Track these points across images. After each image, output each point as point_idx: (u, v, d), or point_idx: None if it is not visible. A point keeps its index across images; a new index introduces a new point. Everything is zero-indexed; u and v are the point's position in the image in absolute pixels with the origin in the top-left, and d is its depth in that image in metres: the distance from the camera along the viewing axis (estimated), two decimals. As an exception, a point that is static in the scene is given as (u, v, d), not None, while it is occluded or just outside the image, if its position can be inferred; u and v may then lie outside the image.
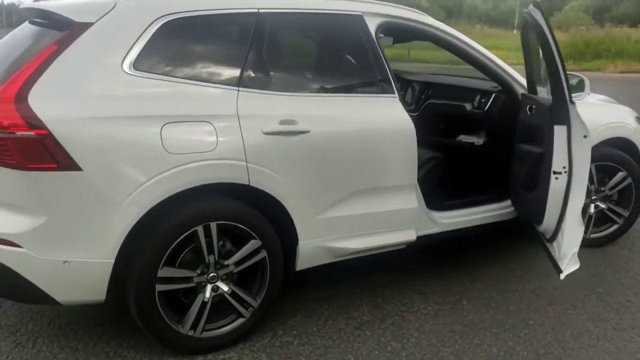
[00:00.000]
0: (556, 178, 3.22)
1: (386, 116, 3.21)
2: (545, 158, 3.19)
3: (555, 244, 3.28)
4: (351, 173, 3.11)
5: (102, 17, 2.64)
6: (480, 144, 4.09)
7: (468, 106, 4.12)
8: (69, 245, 2.53)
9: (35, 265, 2.51)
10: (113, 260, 2.57)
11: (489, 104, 3.97)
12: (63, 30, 2.62)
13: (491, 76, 3.78)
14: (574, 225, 3.22)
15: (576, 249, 3.22)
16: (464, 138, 4.17)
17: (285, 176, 2.88)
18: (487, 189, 3.89)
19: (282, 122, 2.87)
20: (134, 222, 2.57)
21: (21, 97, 2.42)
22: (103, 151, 2.50)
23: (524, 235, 4.21)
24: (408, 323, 3.20)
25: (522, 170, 3.53)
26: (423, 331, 3.12)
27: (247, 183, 2.80)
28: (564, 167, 3.20)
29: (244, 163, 2.76)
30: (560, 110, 3.18)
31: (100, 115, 2.52)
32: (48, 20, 2.76)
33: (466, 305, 3.40)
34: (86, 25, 2.61)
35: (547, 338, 3.07)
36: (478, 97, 4.09)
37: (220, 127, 2.72)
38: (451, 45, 3.59)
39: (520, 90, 3.75)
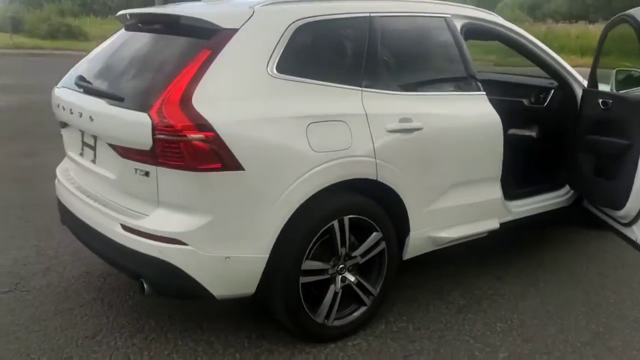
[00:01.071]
0: None
1: (479, 112, 3.45)
2: (631, 149, 3.48)
3: (635, 227, 3.58)
4: (453, 167, 3.33)
5: (245, 22, 2.75)
6: (535, 137, 4.37)
7: (525, 102, 4.40)
8: (231, 242, 2.64)
9: (199, 262, 2.61)
10: (268, 255, 2.70)
11: (548, 99, 4.25)
12: (209, 37, 2.72)
13: (551, 73, 4.06)
14: None
15: None
16: (517, 132, 4.44)
17: (403, 171, 3.07)
18: (546, 179, 4.18)
19: (401, 120, 3.05)
20: (287, 218, 2.70)
21: (186, 102, 2.52)
22: (261, 151, 2.63)
23: (569, 223, 4.55)
24: (502, 305, 3.44)
25: (597, 161, 3.81)
26: (520, 312, 3.37)
27: (375, 178, 2.97)
28: None
29: (374, 159, 2.93)
30: None
31: (255, 116, 2.64)
32: (189, 27, 2.84)
33: (546, 287, 3.67)
34: (233, 31, 2.71)
35: (634, 313, 3.38)
36: (535, 93, 4.37)
37: (353, 126, 2.88)
38: (519, 45, 3.85)
39: (577, 87, 4.05)
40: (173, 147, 2.50)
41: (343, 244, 2.95)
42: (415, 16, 3.38)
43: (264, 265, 2.70)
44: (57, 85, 3.39)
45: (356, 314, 3.08)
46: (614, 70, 3.91)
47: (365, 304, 3.10)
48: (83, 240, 3.20)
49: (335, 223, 2.88)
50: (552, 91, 4.24)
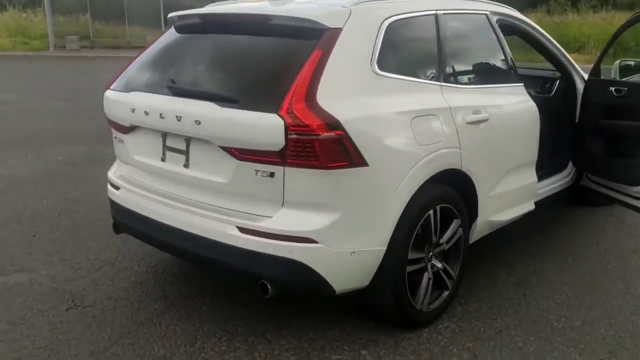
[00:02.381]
0: None
1: (523, 102, 3.72)
2: None
3: None
4: (510, 153, 3.57)
5: (346, 21, 2.80)
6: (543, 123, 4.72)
7: (532, 91, 4.73)
8: (357, 237, 2.71)
9: (327, 258, 2.65)
10: (385, 248, 2.78)
11: (554, 88, 4.61)
12: (316, 36, 2.74)
13: (557, 65, 4.42)
14: None
15: None
16: None
17: (477, 160, 3.26)
18: (554, 162, 4.54)
19: (474, 112, 3.24)
20: (402, 210, 2.80)
21: (313, 101, 2.55)
22: (380, 146, 2.72)
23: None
24: (547, 279, 3.73)
25: (611, 143, 4.19)
26: (566, 284, 3.66)
27: (459, 168, 3.13)
28: None
29: (459, 150, 3.09)
30: None
31: (371, 113, 2.72)
32: (292, 26, 2.84)
33: (575, 262, 4.02)
34: (338, 31, 2.76)
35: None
36: (541, 83, 4.71)
37: (442, 119, 3.03)
38: (535, 39, 4.17)
39: (577, 77, 4.44)
40: (307, 146, 2.52)
41: (435, 232, 3.08)
42: (465, 13, 3.57)
43: (381, 258, 2.79)
44: (118, 89, 3.26)
45: (440, 298, 3.23)
46: (617, 62, 4.32)
47: (447, 288, 3.25)
48: (169, 247, 3.13)
49: (431, 212, 3.01)
50: (557, 81, 4.60)
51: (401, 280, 2.92)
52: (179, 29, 3.35)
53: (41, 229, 4.49)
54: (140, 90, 3.13)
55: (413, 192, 2.84)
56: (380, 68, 2.84)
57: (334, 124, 2.54)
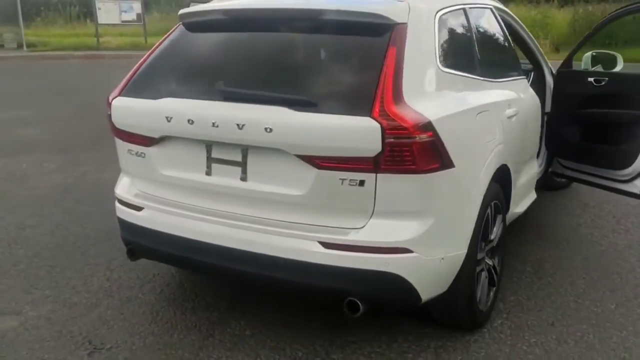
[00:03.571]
0: None
1: (532, 95, 3.78)
2: None
3: (636, 181, 4.21)
4: (528, 146, 3.61)
5: (409, 16, 2.64)
6: None
7: None
8: (445, 242, 2.57)
9: (420, 267, 2.50)
10: (466, 250, 2.67)
11: (530, 79, 4.73)
12: (383, 33, 2.56)
13: (531, 58, 4.54)
14: None
15: None
16: None
17: (513, 154, 3.25)
18: None
19: (509, 106, 3.22)
20: (478, 210, 2.70)
21: (402, 102, 2.39)
22: (461, 146, 2.59)
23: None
24: (573, 266, 3.81)
25: (597, 130, 4.36)
26: (592, 268, 3.77)
27: (505, 163, 3.09)
28: None
29: (504, 145, 3.05)
30: None
31: (449, 112, 2.60)
32: (357, 22, 2.63)
33: (585, 244, 4.17)
34: (405, 26, 2.59)
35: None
36: None
37: (495, 114, 2.98)
38: (516, 32, 4.25)
39: (546, 69, 4.58)
40: (404, 150, 2.34)
41: (491, 229, 3.02)
42: (479, 7, 3.53)
43: (462, 261, 2.67)
44: (135, 96, 2.86)
45: (491, 296, 3.18)
46: (589, 53, 4.50)
47: (494, 285, 3.21)
48: (221, 270, 2.81)
49: (489, 210, 2.94)
50: (532, 73, 4.74)
51: (473, 282, 2.83)
52: (195, 27, 3.00)
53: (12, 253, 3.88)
54: (177, 96, 2.75)
55: (484, 190, 2.76)
56: (443, 65, 2.72)
57: (427, 125, 2.38)
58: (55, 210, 4.81)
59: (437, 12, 2.83)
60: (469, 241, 2.68)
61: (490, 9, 3.65)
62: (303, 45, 2.76)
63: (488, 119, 2.90)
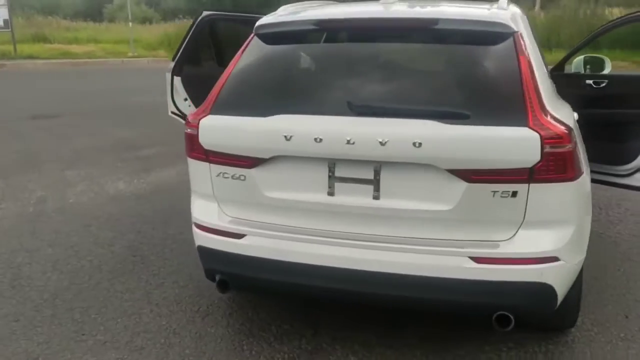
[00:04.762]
0: None
1: None
2: None
3: (637, 175, 4.48)
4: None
5: (518, 24, 2.65)
6: None
7: None
8: (581, 247, 2.61)
9: (564, 275, 2.53)
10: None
11: None
12: (500, 41, 2.55)
13: None
14: None
15: None
16: None
17: None
18: None
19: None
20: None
21: (546, 111, 2.41)
22: (581, 152, 2.62)
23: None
24: (608, 261, 3.96)
25: (601, 129, 4.57)
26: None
27: None
28: None
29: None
30: None
31: (570, 118, 2.62)
32: (473, 31, 2.60)
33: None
34: (520, 34, 2.60)
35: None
36: None
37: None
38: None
39: None
40: (559, 159, 2.34)
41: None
42: None
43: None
44: (234, 114, 2.65)
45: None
46: (582, 57, 4.72)
47: None
48: (348, 295, 2.65)
49: None
50: None
51: (582, 283, 2.89)
52: (288, 38, 2.85)
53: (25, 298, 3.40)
54: (294, 113, 2.56)
55: None
56: (547, 71, 2.76)
57: (571, 133, 2.40)
58: (40, 244, 4.31)
59: (522, 17, 2.89)
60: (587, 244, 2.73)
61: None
62: (428, 55, 2.70)
63: (575, 122, 2.98)
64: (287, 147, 2.54)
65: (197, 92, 4.19)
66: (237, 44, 3.09)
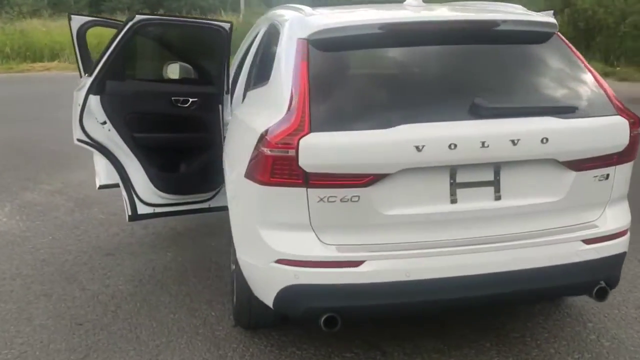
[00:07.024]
0: None
1: None
2: None
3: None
4: None
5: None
6: None
7: None
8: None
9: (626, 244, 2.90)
10: None
11: None
12: (542, 40, 2.87)
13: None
14: None
15: None
16: None
17: None
18: None
19: None
20: None
21: (617, 99, 2.82)
22: None
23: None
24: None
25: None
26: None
27: None
28: None
29: None
30: None
31: None
32: (527, 31, 2.89)
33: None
34: (557, 35, 2.92)
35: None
36: None
37: None
38: None
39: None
40: (636, 141, 2.77)
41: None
42: None
43: None
44: (343, 129, 2.49)
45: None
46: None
47: None
48: (475, 300, 2.74)
49: None
50: None
51: None
52: (346, 44, 2.74)
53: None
54: (421, 121, 2.53)
55: None
56: None
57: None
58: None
59: None
60: None
61: None
62: (504, 56, 2.91)
63: None
64: (418, 158, 2.48)
65: (121, 113, 3.90)
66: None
